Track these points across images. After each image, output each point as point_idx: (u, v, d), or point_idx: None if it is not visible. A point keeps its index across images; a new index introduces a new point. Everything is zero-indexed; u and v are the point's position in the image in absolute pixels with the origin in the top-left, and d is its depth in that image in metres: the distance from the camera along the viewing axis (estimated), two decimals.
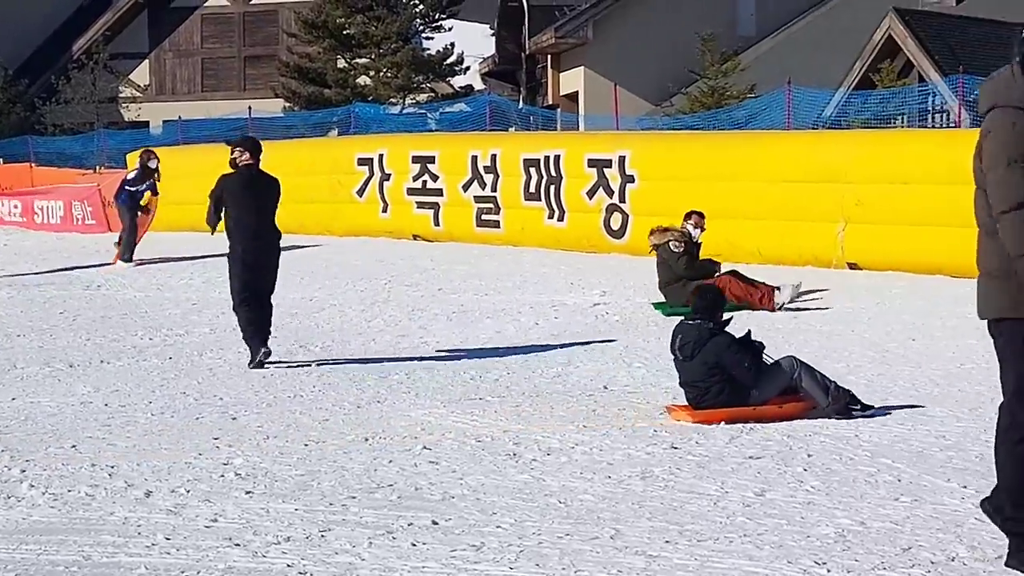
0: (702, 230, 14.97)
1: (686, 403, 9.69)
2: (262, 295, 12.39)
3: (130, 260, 21.17)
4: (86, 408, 10.54)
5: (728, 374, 9.55)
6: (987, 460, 8.08)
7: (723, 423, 9.23)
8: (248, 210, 12.32)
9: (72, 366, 12.65)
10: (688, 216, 14.98)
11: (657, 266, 14.55)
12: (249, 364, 12.18)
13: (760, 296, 13.89)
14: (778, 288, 13.91)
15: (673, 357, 9.82)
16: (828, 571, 6.02)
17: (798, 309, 14.47)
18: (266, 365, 12.13)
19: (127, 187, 21.67)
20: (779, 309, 13.83)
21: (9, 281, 19.92)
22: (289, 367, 12.36)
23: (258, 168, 12.43)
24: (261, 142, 12.96)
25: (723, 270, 14.59)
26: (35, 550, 6.50)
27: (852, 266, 17.04)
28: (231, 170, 12.43)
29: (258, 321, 12.30)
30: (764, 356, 9.71)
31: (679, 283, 14.10)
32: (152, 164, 21.55)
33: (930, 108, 28.43)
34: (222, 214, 12.34)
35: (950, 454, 8.28)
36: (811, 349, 11.96)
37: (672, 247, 14.32)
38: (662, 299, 14.55)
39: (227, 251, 12.55)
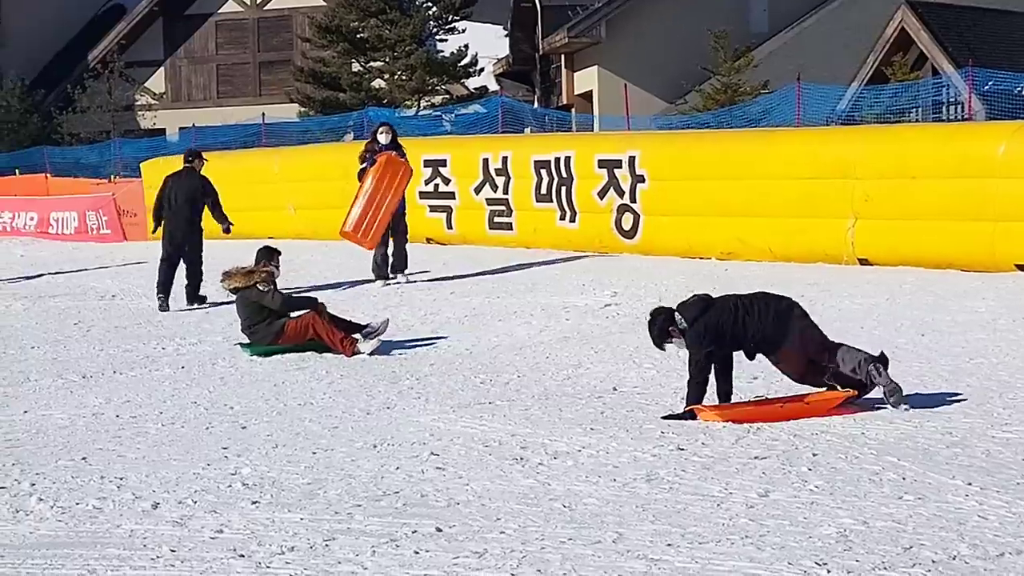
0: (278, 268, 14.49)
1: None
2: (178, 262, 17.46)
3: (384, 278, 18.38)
4: (98, 420, 10.60)
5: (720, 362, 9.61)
6: (993, 456, 8.12)
7: (736, 423, 9.25)
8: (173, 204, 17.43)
9: (85, 377, 12.71)
10: (271, 255, 14.46)
11: (239, 309, 14.15)
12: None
13: (340, 339, 13.49)
14: (361, 337, 13.49)
15: None
16: (828, 571, 6.03)
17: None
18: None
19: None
20: (364, 353, 13.36)
21: (24, 292, 20.01)
22: (301, 374, 12.42)
23: (190, 170, 17.67)
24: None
25: (325, 307, 14.05)
26: (41, 564, 6.55)
27: (863, 262, 17.01)
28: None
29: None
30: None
31: (265, 322, 13.77)
32: (381, 138, 18.90)
33: (944, 100, 28.34)
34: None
35: (956, 451, 8.28)
36: None
37: (260, 288, 13.93)
38: (247, 341, 13.92)
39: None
